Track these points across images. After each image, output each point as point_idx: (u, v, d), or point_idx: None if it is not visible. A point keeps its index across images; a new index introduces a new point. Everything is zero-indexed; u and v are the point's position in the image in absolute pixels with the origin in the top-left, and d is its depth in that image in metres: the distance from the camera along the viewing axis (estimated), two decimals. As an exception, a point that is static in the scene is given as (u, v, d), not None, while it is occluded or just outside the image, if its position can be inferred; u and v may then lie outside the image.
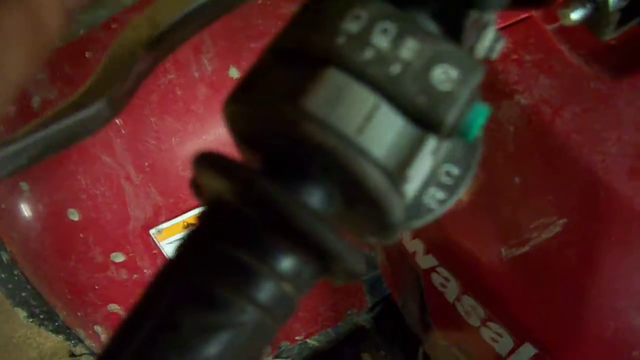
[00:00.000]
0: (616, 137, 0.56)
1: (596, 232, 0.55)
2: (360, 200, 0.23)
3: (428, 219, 0.25)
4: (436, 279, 0.67)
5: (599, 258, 0.55)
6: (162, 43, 0.29)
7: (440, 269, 0.66)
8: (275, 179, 0.23)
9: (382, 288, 0.99)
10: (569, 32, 0.60)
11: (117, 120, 0.68)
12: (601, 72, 0.58)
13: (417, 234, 0.67)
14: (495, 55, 0.31)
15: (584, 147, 0.56)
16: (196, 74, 0.67)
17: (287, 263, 0.23)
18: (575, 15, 0.45)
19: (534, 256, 0.58)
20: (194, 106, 0.68)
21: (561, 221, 0.56)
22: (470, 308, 0.64)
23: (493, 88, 0.57)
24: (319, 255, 0.23)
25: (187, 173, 0.70)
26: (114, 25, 0.71)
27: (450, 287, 0.66)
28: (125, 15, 0.70)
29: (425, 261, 0.67)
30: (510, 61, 0.59)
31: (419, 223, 0.25)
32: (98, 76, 0.29)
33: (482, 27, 0.28)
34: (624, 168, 0.55)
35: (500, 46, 0.31)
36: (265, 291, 0.23)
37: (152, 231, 0.74)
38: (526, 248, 0.58)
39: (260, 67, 0.25)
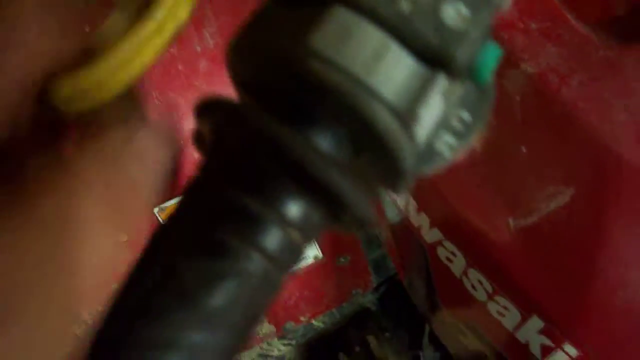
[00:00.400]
0: (624, 105, 0.55)
1: (605, 201, 0.55)
2: (370, 144, 0.22)
3: (438, 164, 0.24)
4: (442, 252, 0.66)
5: (608, 228, 0.55)
6: None
7: (446, 243, 0.65)
8: (282, 122, 0.22)
9: (387, 267, 0.98)
10: (574, 1, 0.60)
11: (118, 97, 0.68)
12: (609, 40, 0.57)
13: (422, 207, 0.66)
14: (506, 4, 0.30)
15: (592, 115, 0.55)
16: (198, 48, 0.66)
17: (294, 209, 0.22)
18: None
19: (541, 227, 0.57)
20: (196, 81, 0.67)
21: (569, 190, 0.56)
22: (477, 282, 0.64)
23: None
24: (327, 201, 0.22)
25: (190, 149, 0.69)
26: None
27: (456, 261, 0.65)
28: None
29: (431, 235, 0.66)
30: (516, 29, 0.58)
31: (429, 168, 0.24)
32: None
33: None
34: (633, 136, 0.54)
35: (510, -4, 0.30)
36: (272, 238, 0.22)
37: (155, 210, 0.73)
38: (533, 218, 0.57)
39: (263, 10, 0.24)
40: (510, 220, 0.58)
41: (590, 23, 0.58)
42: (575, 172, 0.55)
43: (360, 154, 0.24)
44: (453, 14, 0.22)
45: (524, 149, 0.56)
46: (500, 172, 0.58)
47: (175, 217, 0.23)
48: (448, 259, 0.66)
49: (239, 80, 0.24)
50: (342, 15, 0.22)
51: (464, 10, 0.22)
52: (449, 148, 0.24)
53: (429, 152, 0.24)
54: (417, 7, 0.22)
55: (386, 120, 0.21)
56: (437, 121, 0.24)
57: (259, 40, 0.22)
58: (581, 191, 0.55)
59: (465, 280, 0.65)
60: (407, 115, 0.22)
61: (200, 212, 0.22)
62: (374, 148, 0.23)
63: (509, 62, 0.57)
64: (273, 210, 0.22)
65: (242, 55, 0.23)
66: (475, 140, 0.25)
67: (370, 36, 0.21)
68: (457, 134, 0.24)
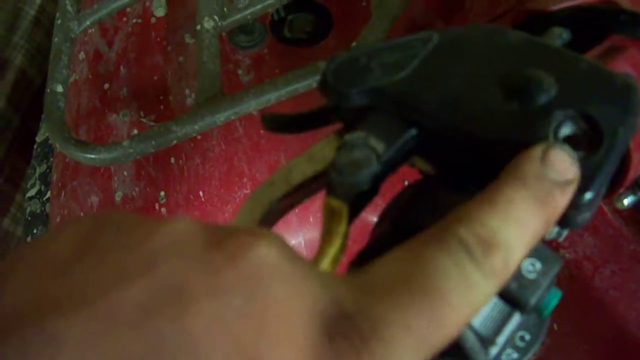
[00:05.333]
0: (649, 297, 0.61)
1: (625, 383, 0.60)
2: (453, 353, 0.29)
3: (502, 374, 0.31)
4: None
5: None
6: (294, 196, 0.36)
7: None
8: None
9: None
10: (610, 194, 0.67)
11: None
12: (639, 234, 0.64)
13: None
14: (562, 238, 0.37)
15: (620, 303, 0.61)
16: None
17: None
18: (627, 201, 0.52)
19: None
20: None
21: (593, 369, 0.61)
22: None
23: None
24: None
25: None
26: (199, 137, 0.79)
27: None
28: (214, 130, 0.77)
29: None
30: (558, 217, 0.65)
31: (493, 376, 0.31)
32: (235, 223, 0.35)
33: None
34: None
35: (566, 232, 0.37)
36: None
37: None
38: (557, 391, 0.63)
39: (380, 237, 0.31)
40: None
41: (624, 215, 0.66)
42: (600, 353, 0.61)
43: (441, 357, 0.30)
44: (530, 267, 0.29)
45: (555, 326, 0.63)
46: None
47: None
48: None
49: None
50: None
51: (538, 265, 0.29)
52: (512, 362, 0.31)
53: (496, 363, 0.31)
54: (503, 258, 0.29)
55: (472, 342, 0.28)
56: (506, 341, 0.30)
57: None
58: (604, 371, 0.61)
59: None
60: (487, 341, 0.29)
61: None
62: (456, 356, 0.29)
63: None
64: None
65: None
66: (533, 354, 0.31)
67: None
68: (519, 350, 0.31)
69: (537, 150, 0.28)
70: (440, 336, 0.23)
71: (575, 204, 0.28)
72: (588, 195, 0.28)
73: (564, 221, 0.29)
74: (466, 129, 0.31)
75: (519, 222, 0.26)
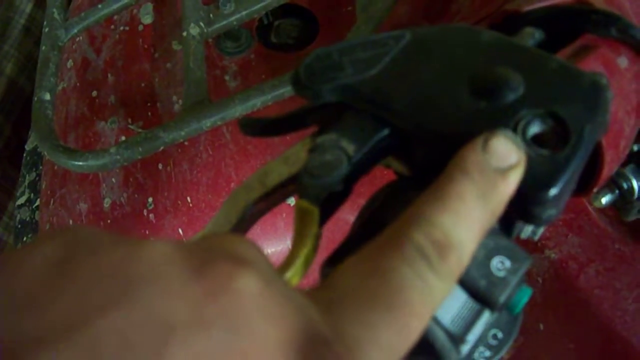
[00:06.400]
0: (635, 296, 0.61)
1: (611, 383, 0.60)
2: (425, 352, 0.29)
3: (474, 372, 0.31)
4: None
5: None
6: (270, 199, 0.36)
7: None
8: None
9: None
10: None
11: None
12: (625, 234, 0.64)
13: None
14: (537, 237, 0.37)
15: (605, 302, 0.61)
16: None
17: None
18: (605, 199, 0.52)
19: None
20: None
21: (580, 369, 0.62)
22: None
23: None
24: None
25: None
26: (186, 143, 0.79)
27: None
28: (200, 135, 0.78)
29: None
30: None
31: (466, 375, 0.31)
32: (211, 227, 0.36)
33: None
34: (641, 325, 0.60)
35: (541, 230, 0.37)
36: None
37: None
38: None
39: (352, 237, 0.32)
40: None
41: (609, 215, 0.66)
42: (586, 353, 0.62)
43: (413, 355, 0.31)
44: (499, 264, 0.29)
45: (541, 326, 0.63)
46: (518, 346, 0.64)
47: None
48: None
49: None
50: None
51: (507, 263, 0.29)
52: (484, 359, 0.31)
53: (468, 360, 0.31)
54: (473, 257, 0.29)
55: (442, 341, 0.29)
56: (477, 339, 0.31)
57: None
58: (590, 371, 0.61)
59: None
60: (458, 339, 0.29)
61: None
62: (427, 355, 0.30)
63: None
64: None
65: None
66: (505, 352, 0.32)
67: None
68: (491, 348, 0.31)
69: (479, 140, 0.29)
70: (408, 343, 0.24)
71: (540, 200, 0.29)
72: (553, 192, 0.28)
73: (530, 218, 0.30)
74: (435, 127, 0.31)
75: (469, 219, 0.27)
